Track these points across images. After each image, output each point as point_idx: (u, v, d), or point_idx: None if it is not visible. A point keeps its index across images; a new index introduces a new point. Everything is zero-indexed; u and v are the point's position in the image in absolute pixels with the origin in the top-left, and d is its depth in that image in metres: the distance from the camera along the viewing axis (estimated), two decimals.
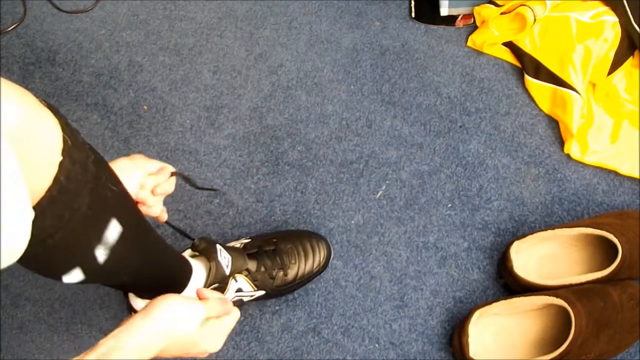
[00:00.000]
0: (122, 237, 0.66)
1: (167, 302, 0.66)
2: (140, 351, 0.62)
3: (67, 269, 0.64)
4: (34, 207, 0.53)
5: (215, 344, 0.71)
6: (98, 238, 0.63)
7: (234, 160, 1.11)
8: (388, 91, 1.17)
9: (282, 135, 1.13)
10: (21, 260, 0.54)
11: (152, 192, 0.82)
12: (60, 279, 0.65)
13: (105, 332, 0.99)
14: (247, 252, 0.94)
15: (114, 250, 0.65)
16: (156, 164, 0.83)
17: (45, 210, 0.54)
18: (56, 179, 0.55)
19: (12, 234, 0.49)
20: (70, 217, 0.58)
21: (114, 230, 0.65)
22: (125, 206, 0.69)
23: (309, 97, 1.17)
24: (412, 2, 1.26)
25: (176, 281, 0.88)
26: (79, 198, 0.58)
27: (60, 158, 0.55)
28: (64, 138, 0.56)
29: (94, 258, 0.64)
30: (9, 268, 0.51)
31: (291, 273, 0.97)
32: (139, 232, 0.73)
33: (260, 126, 1.14)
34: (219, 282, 0.88)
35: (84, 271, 0.64)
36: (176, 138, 1.14)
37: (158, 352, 0.64)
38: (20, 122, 0.52)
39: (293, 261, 0.97)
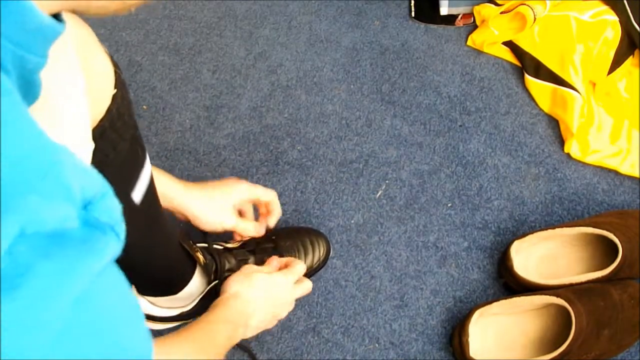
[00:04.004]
0: (145, 199, 0.66)
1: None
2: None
3: None
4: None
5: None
6: (126, 191, 0.63)
7: (234, 160, 1.11)
8: (388, 90, 1.17)
9: (282, 135, 1.13)
10: None
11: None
12: None
13: None
14: (247, 249, 0.94)
15: (134, 210, 0.65)
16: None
17: (96, 143, 0.52)
18: (109, 111, 0.54)
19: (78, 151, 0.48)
20: (113, 158, 0.57)
21: (143, 183, 0.65)
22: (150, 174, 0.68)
23: (308, 96, 1.17)
24: (412, 2, 1.25)
25: (181, 276, 0.87)
26: (122, 141, 0.57)
27: (114, 90, 0.55)
28: (115, 72, 0.56)
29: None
30: None
31: None
32: (155, 201, 0.73)
33: (259, 126, 1.14)
34: (219, 279, 0.88)
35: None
36: (175, 138, 1.13)
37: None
38: (81, 40, 0.51)
39: (293, 257, 0.97)
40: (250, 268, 0.84)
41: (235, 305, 0.76)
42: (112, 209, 0.32)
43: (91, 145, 0.50)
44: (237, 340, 0.76)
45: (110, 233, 0.32)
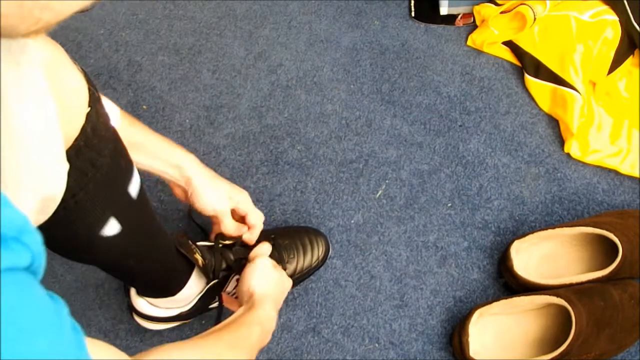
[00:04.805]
0: (136, 203, 0.66)
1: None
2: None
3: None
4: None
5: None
6: (118, 200, 0.63)
7: (234, 160, 1.11)
8: (388, 90, 1.17)
9: (282, 135, 1.13)
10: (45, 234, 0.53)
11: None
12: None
13: (105, 332, 0.99)
14: (246, 247, 0.94)
15: (125, 218, 0.65)
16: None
17: (72, 163, 0.53)
18: (83, 129, 0.54)
19: (50, 179, 0.48)
20: (92, 175, 0.57)
21: (134, 188, 0.65)
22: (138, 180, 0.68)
23: (308, 96, 1.17)
24: (412, 1, 1.25)
25: (178, 278, 0.87)
26: (100, 157, 0.57)
27: (88, 109, 0.55)
28: (89, 89, 0.56)
29: (109, 224, 0.64)
30: None
31: (290, 268, 0.96)
32: (147, 210, 0.73)
33: (259, 125, 1.14)
34: (217, 278, 0.88)
35: (118, 220, 0.64)
36: (175, 137, 1.13)
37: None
38: (51, 60, 0.51)
39: (292, 256, 0.97)
40: (261, 262, 0.86)
41: (267, 306, 0.78)
42: (10, 220, 0.32)
43: (66, 166, 0.50)
44: (266, 341, 0.76)
45: (14, 244, 0.31)
